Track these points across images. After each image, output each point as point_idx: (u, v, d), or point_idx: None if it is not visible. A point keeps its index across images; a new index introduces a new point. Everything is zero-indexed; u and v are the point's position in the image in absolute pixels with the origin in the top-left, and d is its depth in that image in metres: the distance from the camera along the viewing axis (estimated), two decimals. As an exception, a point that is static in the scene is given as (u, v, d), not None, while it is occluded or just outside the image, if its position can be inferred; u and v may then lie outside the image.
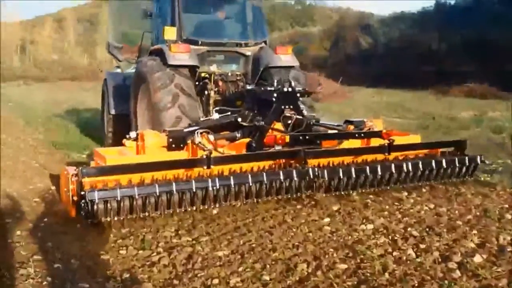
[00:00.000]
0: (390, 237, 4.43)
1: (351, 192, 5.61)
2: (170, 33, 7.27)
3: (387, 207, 5.32)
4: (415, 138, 6.72)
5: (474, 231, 4.45)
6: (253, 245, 4.30)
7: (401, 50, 25.51)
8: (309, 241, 4.37)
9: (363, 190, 5.66)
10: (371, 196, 5.68)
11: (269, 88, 6.52)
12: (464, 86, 20.59)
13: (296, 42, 39.08)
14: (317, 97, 18.54)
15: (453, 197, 5.67)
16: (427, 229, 4.59)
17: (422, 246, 4.14)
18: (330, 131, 6.49)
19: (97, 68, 31.08)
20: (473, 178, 6.23)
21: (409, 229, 4.61)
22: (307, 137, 5.91)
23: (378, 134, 6.31)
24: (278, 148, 5.88)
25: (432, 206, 5.35)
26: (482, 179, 6.51)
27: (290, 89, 6.34)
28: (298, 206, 5.36)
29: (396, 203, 5.45)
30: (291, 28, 47.69)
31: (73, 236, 4.62)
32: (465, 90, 20.41)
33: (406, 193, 5.79)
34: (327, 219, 4.94)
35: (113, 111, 8.88)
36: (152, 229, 4.77)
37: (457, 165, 6.03)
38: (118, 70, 10.45)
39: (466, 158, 6.10)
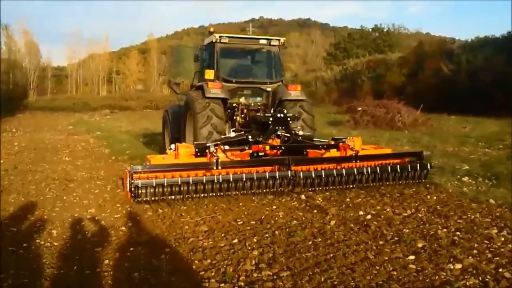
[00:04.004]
0: (480, 278, 4.22)
1: (322, 188, 7.49)
2: (209, 74, 9.76)
3: (476, 245, 5.07)
4: (386, 150, 8.80)
5: None
6: (335, 282, 4.21)
7: (486, 76, 24.46)
8: (393, 280, 4.23)
9: (333, 187, 7.53)
10: (458, 233, 5.45)
11: (267, 114, 9.14)
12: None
13: (373, 69, 38.69)
14: (396, 126, 18.18)
15: (548, 236, 5.33)
16: (521, 271, 4.33)
17: (516, 289, 3.91)
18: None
19: (178, 98, 32.35)
20: None
21: (500, 270, 4.38)
22: (283, 148, 8.32)
23: (335, 146, 8.36)
24: (261, 154, 8.16)
25: (525, 245, 5.04)
26: None
27: (282, 115, 8.95)
28: (381, 242, 5.22)
29: (486, 241, 5.18)
30: (369, 55, 47.21)
31: (157, 267, 4.72)
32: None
33: (496, 230, 5.51)
34: (412, 257, 4.77)
35: (172, 133, 11.35)
36: (233, 261, 4.79)
37: (409, 170, 7.87)
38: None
39: (418, 164, 7.94)
